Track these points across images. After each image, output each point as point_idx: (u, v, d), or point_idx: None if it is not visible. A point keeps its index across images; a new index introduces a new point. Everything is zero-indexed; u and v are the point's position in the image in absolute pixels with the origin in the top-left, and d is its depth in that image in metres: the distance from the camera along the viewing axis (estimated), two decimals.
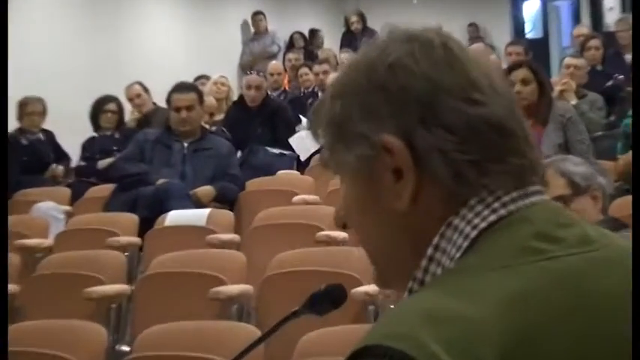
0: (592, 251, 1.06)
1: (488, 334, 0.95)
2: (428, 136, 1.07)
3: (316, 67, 10.04)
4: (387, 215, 1.10)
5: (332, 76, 8.85)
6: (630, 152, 5.45)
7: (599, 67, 8.55)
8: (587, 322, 1.00)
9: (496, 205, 1.07)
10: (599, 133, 7.06)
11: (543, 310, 0.98)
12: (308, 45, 13.19)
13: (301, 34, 13.26)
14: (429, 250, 1.08)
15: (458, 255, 1.06)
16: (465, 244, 1.06)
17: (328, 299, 1.73)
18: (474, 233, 1.06)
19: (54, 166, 8.00)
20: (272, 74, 9.94)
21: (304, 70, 10.21)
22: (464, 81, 1.10)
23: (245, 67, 12.19)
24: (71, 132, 8.43)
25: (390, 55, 1.11)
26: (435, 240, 1.08)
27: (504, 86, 1.13)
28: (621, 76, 8.31)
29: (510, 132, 1.09)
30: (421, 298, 1.03)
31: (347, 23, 13.25)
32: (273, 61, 10.91)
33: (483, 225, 1.06)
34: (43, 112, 8.02)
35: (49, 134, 8.17)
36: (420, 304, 1.00)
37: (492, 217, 1.06)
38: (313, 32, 13.52)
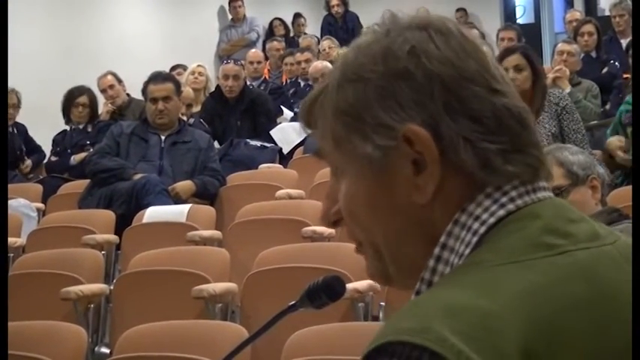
0: (601, 246, 1.09)
1: (508, 327, 0.96)
2: (454, 126, 1.07)
3: (298, 55, 10.06)
4: (402, 208, 1.10)
5: (315, 64, 8.89)
6: (614, 137, 5.54)
7: (593, 54, 8.61)
8: (604, 311, 1.03)
9: (504, 199, 1.09)
10: (594, 122, 7.13)
11: (560, 302, 1.00)
12: (288, 32, 13.21)
13: (281, 20, 13.26)
14: (437, 250, 1.09)
15: (467, 252, 1.07)
16: (474, 239, 1.07)
17: (326, 292, 1.75)
18: (482, 229, 1.07)
19: (26, 160, 8.04)
20: (251, 62, 9.92)
21: (290, 59, 10.23)
22: (484, 70, 1.11)
23: (222, 56, 12.21)
24: (40, 125, 8.44)
25: (407, 41, 1.11)
26: (443, 239, 1.09)
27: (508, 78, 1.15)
28: (617, 63, 8.37)
29: (528, 124, 1.11)
30: (436, 294, 1.03)
31: (328, 6, 13.27)
32: (253, 49, 10.89)
33: (492, 220, 1.08)
34: (17, 105, 8.00)
35: (20, 127, 8.18)
36: (436, 299, 1.01)
37: (501, 212, 1.08)
38: (295, 17, 13.51)
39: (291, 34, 13.22)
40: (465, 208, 1.09)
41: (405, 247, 1.12)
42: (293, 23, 13.43)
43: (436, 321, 0.96)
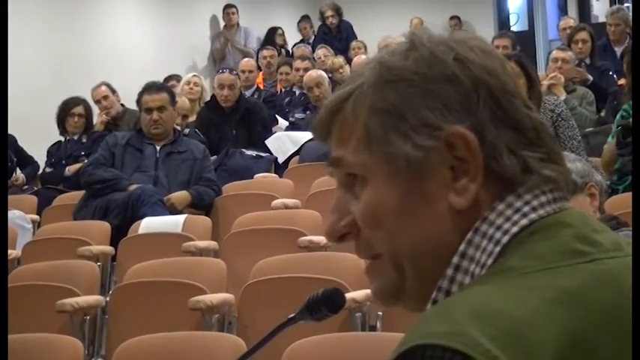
0: (626, 256, 1.08)
1: (541, 335, 0.95)
2: (498, 134, 1.08)
3: (298, 62, 10.04)
4: (436, 215, 1.08)
5: (309, 73, 8.86)
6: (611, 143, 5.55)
7: (587, 61, 8.61)
8: (629, 318, 1.01)
9: (526, 209, 1.08)
10: (590, 129, 7.12)
11: (594, 309, 0.99)
12: (279, 41, 13.18)
13: (276, 29, 13.25)
14: (455, 259, 1.07)
15: (490, 261, 1.05)
16: (497, 249, 1.06)
17: (326, 304, 1.74)
18: (505, 238, 1.06)
19: (17, 172, 8.00)
20: (243, 71, 9.90)
21: (285, 68, 10.21)
22: (516, 86, 1.13)
23: (217, 58, 12.23)
24: (35, 136, 8.41)
25: (451, 49, 1.11)
26: (462, 247, 1.07)
27: None
28: (611, 71, 8.38)
29: (554, 139, 1.16)
30: (465, 299, 1.01)
31: (322, 17, 13.26)
32: (246, 58, 10.87)
33: (515, 230, 1.06)
34: None
35: (10, 139, 8.14)
36: (466, 304, 0.98)
37: (524, 221, 1.07)
38: (302, 19, 13.53)
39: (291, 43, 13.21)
40: (485, 217, 1.07)
41: (431, 258, 1.09)
42: (299, 26, 13.45)
43: (470, 325, 0.94)
